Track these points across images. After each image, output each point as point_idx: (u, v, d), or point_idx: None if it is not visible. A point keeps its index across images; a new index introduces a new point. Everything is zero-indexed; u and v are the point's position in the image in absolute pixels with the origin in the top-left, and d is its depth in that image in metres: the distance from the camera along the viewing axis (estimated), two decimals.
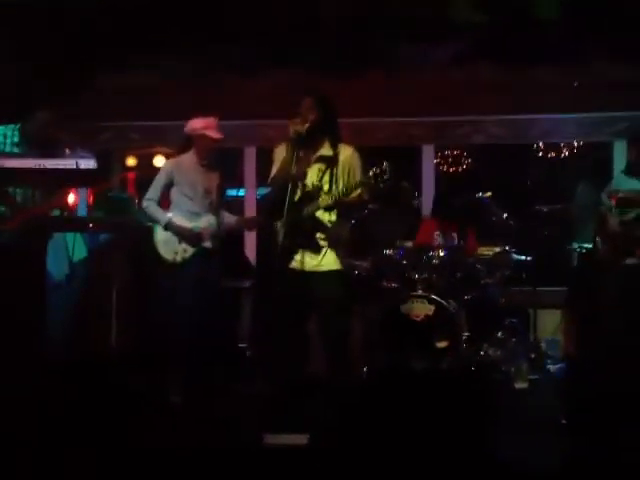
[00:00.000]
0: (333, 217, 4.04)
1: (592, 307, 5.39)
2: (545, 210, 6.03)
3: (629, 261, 5.01)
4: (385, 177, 3.76)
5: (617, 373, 4.31)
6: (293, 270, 4.00)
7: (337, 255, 4.03)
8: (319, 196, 3.97)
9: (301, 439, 3.44)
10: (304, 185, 3.98)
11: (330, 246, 3.95)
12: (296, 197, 3.91)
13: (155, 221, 4.84)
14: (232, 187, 7.21)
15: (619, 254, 4.99)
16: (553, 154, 8.50)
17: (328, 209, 4.00)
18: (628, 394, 3.68)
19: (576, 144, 7.82)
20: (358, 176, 3.98)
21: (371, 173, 3.79)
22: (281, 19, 5.95)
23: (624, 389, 3.70)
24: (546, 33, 5.99)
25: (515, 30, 6.04)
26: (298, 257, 3.98)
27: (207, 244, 4.80)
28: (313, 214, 3.97)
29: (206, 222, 4.82)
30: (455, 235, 5.87)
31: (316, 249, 4.00)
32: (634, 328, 4.86)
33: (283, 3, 5.80)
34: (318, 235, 4.01)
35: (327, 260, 4.03)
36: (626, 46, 5.90)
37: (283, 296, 4.05)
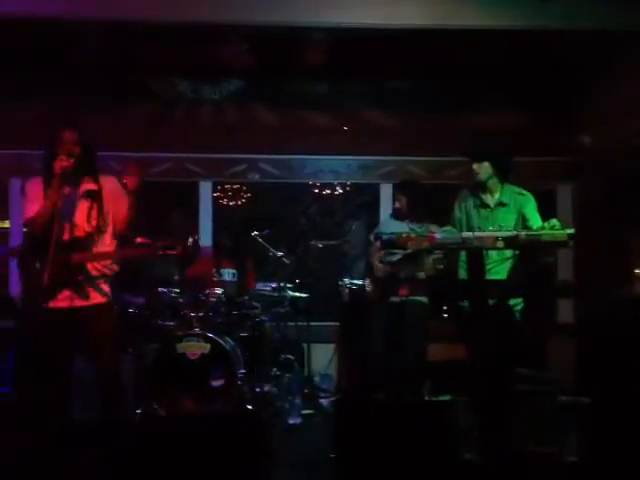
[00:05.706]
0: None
1: (361, 343, 5.65)
2: (320, 246, 6.23)
3: (392, 299, 5.33)
4: None
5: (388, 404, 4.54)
6: (59, 309, 3.80)
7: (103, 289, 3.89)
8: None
9: None
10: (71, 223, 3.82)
11: None
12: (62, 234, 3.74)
13: None
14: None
15: (384, 293, 5.29)
16: (328, 192, 8.82)
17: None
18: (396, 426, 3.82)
19: (349, 183, 8.17)
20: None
21: None
22: None
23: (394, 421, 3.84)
24: (317, 80, 6.30)
25: (288, 75, 6.29)
26: (64, 294, 3.80)
27: None
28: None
29: None
30: (235, 272, 5.91)
31: (82, 288, 3.85)
32: (396, 361, 5.17)
33: None
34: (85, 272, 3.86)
35: (95, 295, 3.88)
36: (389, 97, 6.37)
37: (48, 336, 3.82)
